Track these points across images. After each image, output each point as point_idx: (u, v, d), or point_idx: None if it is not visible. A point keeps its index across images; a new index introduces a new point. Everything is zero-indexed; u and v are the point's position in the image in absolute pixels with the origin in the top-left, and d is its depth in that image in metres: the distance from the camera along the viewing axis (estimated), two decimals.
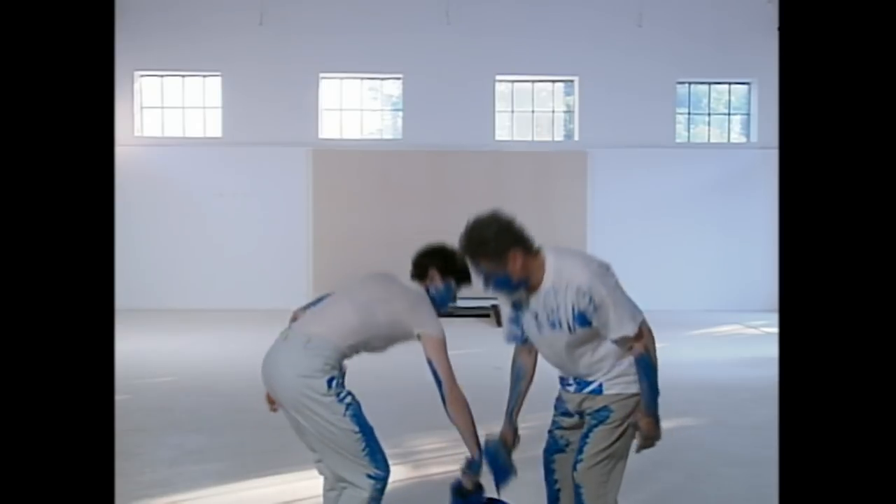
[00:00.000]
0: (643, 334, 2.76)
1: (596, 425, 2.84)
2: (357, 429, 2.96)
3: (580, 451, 2.85)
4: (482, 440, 3.07)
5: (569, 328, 2.75)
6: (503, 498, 3.20)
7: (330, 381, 2.95)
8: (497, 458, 3.03)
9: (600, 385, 2.84)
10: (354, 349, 3.08)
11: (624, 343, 2.77)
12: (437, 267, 3.23)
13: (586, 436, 2.86)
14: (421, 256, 3.29)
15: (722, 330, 11.45)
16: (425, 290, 3.23)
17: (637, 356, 2.77)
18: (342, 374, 3.05)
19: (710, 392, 7.05)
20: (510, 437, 3.05)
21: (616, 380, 2.82)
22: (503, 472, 3.05)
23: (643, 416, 2.80)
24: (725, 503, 4.27)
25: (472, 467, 3.07)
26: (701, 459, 4.94)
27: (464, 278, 3.26)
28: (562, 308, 2.73)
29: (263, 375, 3.08)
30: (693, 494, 4.37)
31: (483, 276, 2.79)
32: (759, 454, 4.88)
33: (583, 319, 2.73)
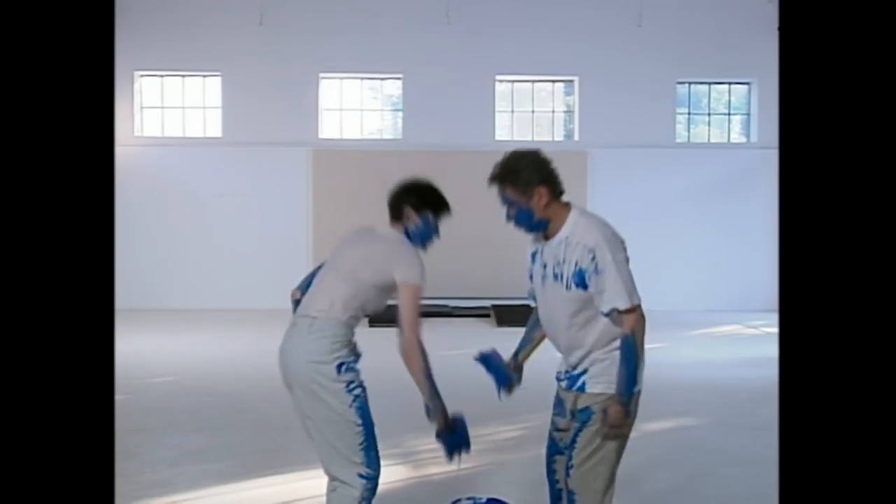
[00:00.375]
0: (635, 312, 2.72)
1: (580, 428, 2.82)
2: (360, 421, 2.97)
3: (570, 456, 2.84)
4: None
5: (566, 284, 2.76)
6: (502, 497, 3.21)
7: (340, 367, 2.96)
8: (490, 362, 3.04)
9: (584, 383, 2.82)
10: (356, 318, 3.08)
11: (615, 319, 2.74)
12: (411, 204, 3.20)
13: (574, 440, 2.84)
14: (394, 196, 3.25)
15: (722, 330, 11.45)
16: (405, 231, 3.19)
17: (623, 337, 2.73)
18: (353, 353, 3.05)
19: (710, 392, 7.03)
20: (512, 366, 3.06)
21: (599, 378, 2.79)
22: (502, 376, 3.03)
23: (613, 403, 2.73)
24: (725, 503, 4.27)
25: (427, 412, 3.04)
26: (701, 459, 4.94)
27: (440, 207, 3.22)
28: (567, 263, 2.76)
29: (279, 366, 3.09)
30: (693, 494, 4.37)
31: (507, 205, 2.85)
32: (759, 454, 4.88)
33: (580, 278, 2.73)
